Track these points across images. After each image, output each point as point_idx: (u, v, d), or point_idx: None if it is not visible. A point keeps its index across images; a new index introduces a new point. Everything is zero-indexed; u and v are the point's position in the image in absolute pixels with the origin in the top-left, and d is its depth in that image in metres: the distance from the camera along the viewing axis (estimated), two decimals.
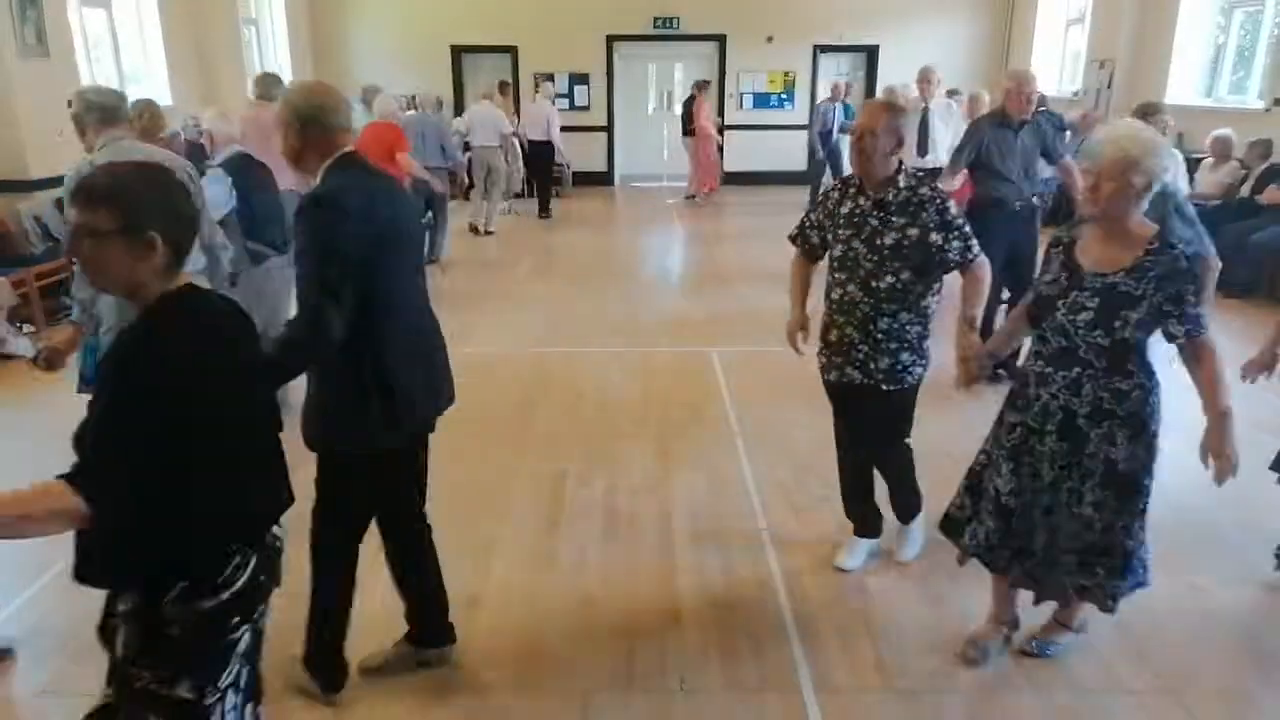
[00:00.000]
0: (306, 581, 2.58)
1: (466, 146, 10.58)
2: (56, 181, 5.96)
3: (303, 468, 2.41)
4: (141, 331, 1.62)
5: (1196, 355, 2.39)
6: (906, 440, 3.25)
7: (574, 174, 13.52)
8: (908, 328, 2.96)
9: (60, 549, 1.63)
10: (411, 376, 2.46)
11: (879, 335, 2.96)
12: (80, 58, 7.99)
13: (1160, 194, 2.77)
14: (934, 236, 2.85)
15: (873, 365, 3.00)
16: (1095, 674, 2.80)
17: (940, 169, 6.90)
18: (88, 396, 1.65)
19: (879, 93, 11.18)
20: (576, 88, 13.91)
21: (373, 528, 2.69)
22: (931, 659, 2.88)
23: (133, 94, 4.69)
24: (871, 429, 3.19)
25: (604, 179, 14.26)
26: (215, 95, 9.70)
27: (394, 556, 2.74)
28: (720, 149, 12.94)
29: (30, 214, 6.93)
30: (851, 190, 2.99)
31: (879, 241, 2.90)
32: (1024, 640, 2.87)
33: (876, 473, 3.35)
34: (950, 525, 2.84)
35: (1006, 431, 2.63)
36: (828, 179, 11.17)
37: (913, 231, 2.86)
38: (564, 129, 11.85)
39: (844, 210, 2.99)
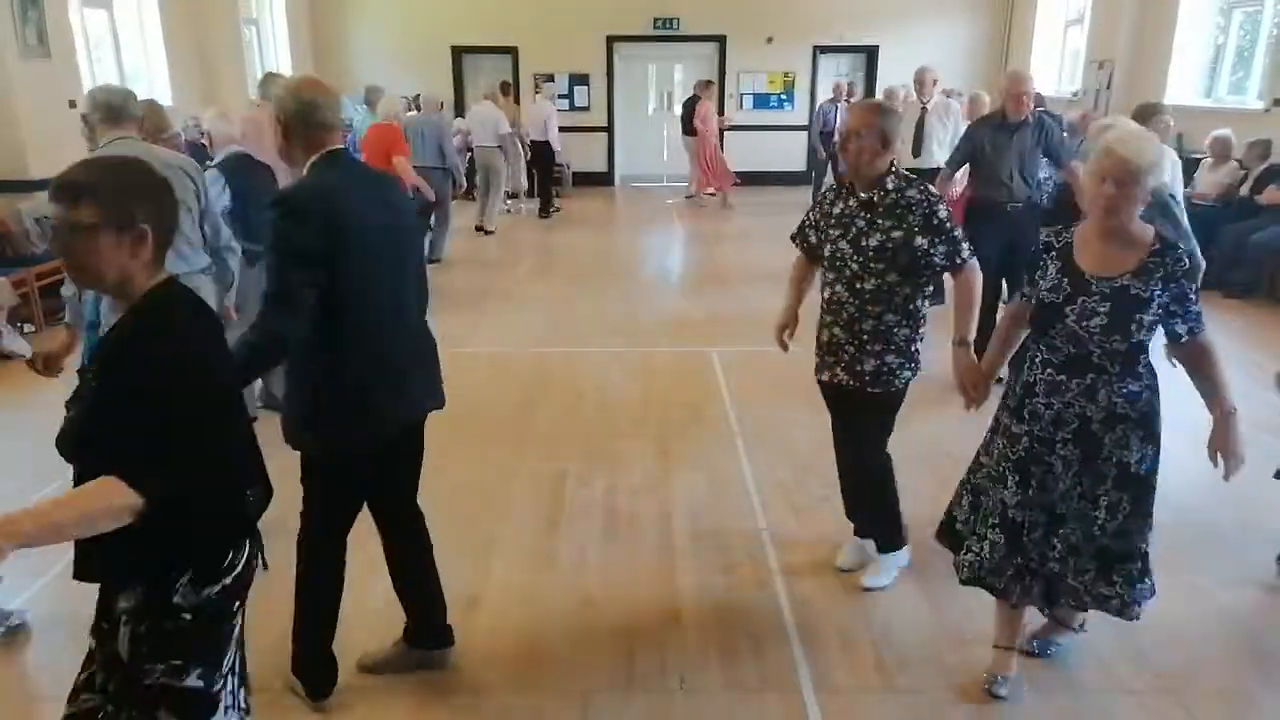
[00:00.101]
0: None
1: (470, 147, 10.61)
2: None
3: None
4: (145, 326, 1.62)
5: (1199, 354, 2.39)
6: (886, 450, 3.15)
7: (574, 174, 13.56)
8: (895, 330, 2.92)
9: (60, 548, 1.63)
10: (377, 379, 2.39)
11: (865, 336, 2.94)
12: (81, 58, 8.00)
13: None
14: (919, 240, 2.82)
15: (859, 367, 2.98)
16: (1095, 674, 2.80)
17: (937, 169, 6.92)
18: None
19: (879, 93, 11.19)
20: (577, 88, 13.93)
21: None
22: (931, 659, 2.88)
23: None
24: (855, 430, 3.15)
25: (604, 179, 14.27)
26: (216, 95, 9.70)
27: (389, 555, 2.74)
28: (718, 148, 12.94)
29: (31, 214, 6.93)
30: (844, 191, 3.00)
31: (864, 242, 2.88)
32: (1024, 640, 2.86)
33: None
34: (952, 539, 2.77)
35: (1011, 443, 2.54)
36: (830, 179, 11.17)
37: (897, 234, 2.83)
38: (564, 129, 11.86)
39: (836, 210, 3.00)
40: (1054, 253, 2.49)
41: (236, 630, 1.81)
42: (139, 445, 1.54)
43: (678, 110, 12.99)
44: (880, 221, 2.86)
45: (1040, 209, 5.20)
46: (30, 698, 2.77)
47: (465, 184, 10.27)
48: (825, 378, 3.10)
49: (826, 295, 3.05)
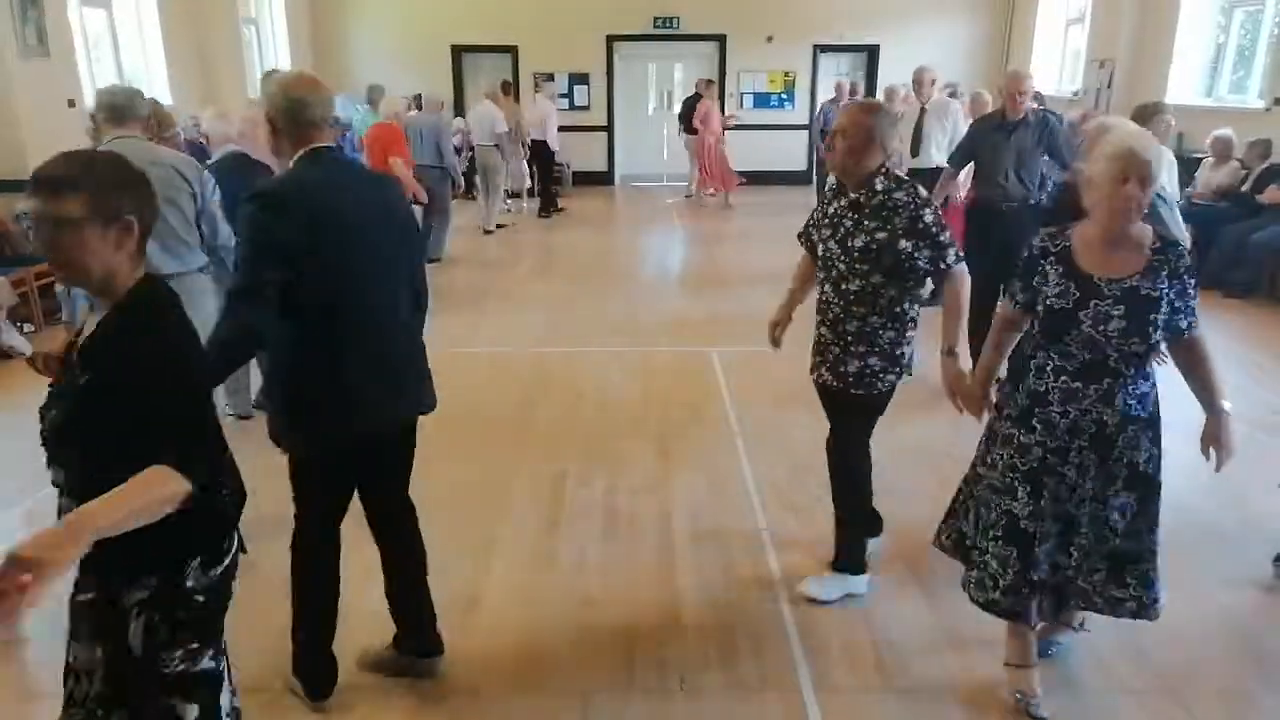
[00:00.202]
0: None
1: (470, 146, 10.64)
2: None
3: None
4: (138, 323, 1.62)
5: (1198, 349, 2.40)
6: (861, 455, 3.10)
7: (574, 174, 13.56)
8: (879, 332, 2.89)
9: None
10: (352, 379, 2.34)
11: (849, 337, 2.92)
12: (80, 58, 8.00)
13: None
14: (902, 243, 2.77)
15: (842, 368, 2.96)
16: (1095, 674, 2.80)
17: (938, 168, 6.91)
18: None
19: (880, 93, 11.19)
20: (576, 88, 13.93)
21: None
22: (931, 659, 2.88)
23: None
24: (839, 431, 3.12)
25: (604, 179, 14.28)
26: (215, 95, 9.70)
27: (381, 558, 2.71)
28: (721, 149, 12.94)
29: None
30: (839, 190, 2.99)
31: (850, 243, 2.87)
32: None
33: (874, 473, 3.34)
34: (963, 553, 2.73)
35: (1020, 453, 2.48)
36: (832, 179, 11.16)
37: (881, 236, 2.80)
38: (564, 129, 11.85)
39: (830, 210, 2.99)
40: (1052, 257, 2.43)
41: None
42: (172, 435, 1.57)
43: (678, 109, 12.99)
44: (866, 223, 2.83)
45: (1041, 209, 5.18)
46: (30, 694, 2.77)
47: (464, 184, 10.29)
48: (814, 377, 3.10)
49: (819, 295, 3.05)
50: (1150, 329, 2.32)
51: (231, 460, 1.83)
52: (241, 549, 1.89)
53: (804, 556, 3.45)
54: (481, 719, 2.64)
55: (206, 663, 1.75)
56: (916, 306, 2.94)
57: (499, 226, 10.64)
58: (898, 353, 2.92)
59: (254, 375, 4.59)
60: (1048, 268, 2.43)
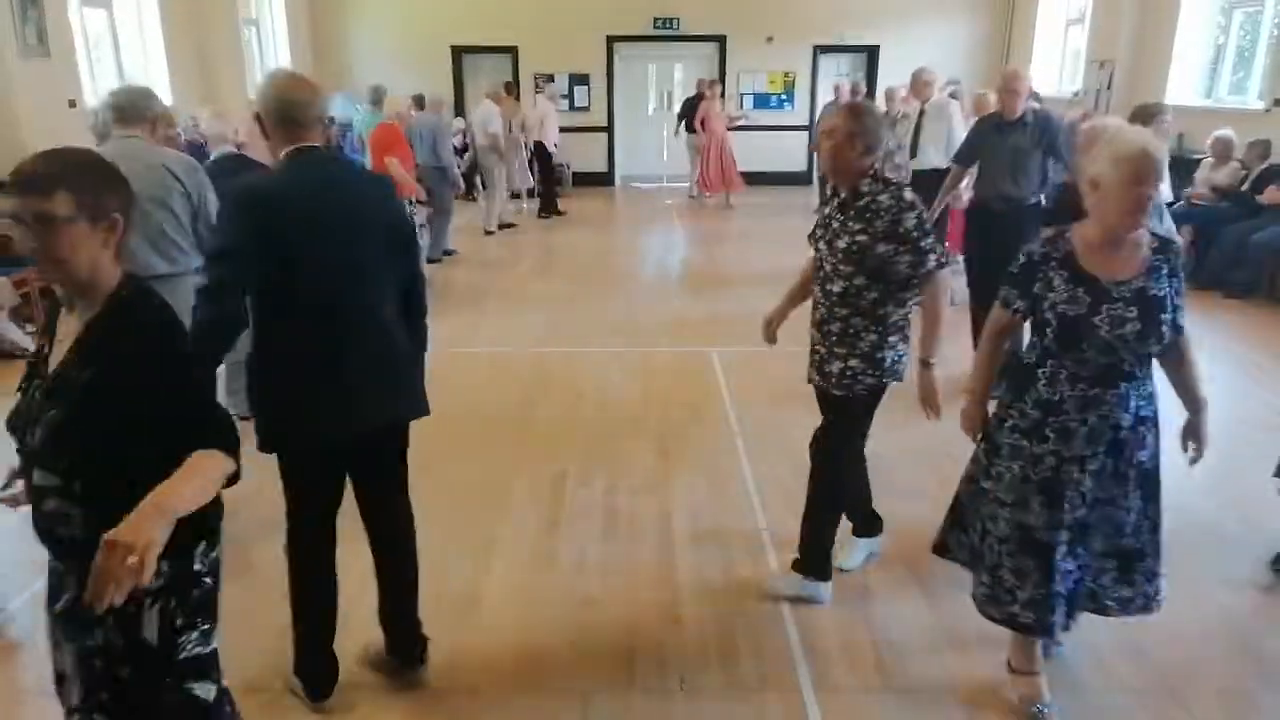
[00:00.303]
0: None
1: (469, 146, 10.65)
2: None
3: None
4: (133, 321, 1.63)
5: (1186, 346, 2.43)
6: (839, 457, 3.10)
7: (574, 174, 13.57)
8: (861, 334, 2.87)
9: None
10: (317, 382, 2.32)
11: (833, 338, 2.92)
12: (81, 58, 8.00)
13: None
14: (881, 246, 2.76)
15: (826, 368, 2.96)
16: (1095, 674, 2.80)
17: (935, 170, 6.92)
18: None
19: (880, 93, 11.19)
20: (577, 88, 13.93)
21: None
22: (931, 659, 2.88)
23: None
24: (823, 430, 3.12)
25: (604, 179, 14.28)
26: (216, 95, 9.71)
27: (374, 560, 2.70)
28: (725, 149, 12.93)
29: None
30: (835, 191, 3.00)
31: (836, 244, 2.87)
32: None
33: (873, 472, 3.34)
34: (972, 564, 2.69)
35: (1032, 464, 2.43)
36: None
37: (862, 238, 2.79)
38: (564, 129, 11.84)
39: (826, 210, 3.00)
40: (1054, 262, 2.37)
41: None
42: (209, 420, 1.65)
43: (678, 109, 12.98)
44: (850, 224, 2.83)
45: (1040, 210, 5.18)
46: (28, 692, 2.77)
47: (462, 185, 10.30)
48: (807, 377, 3.11)
49: (812, 296, 3.06)
50: (1162, 328, 2.31)
51: None
52: None
53: None
54: (481, 719, 2.64)
55: (214, 642, 1.80)
56: (902, 311, 2.90)
57: (507, 226, 10.65)
58: (878, 356, 2.89)
59: None
60: (1051, 274, 2.37)
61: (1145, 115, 4.47)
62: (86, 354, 1.61)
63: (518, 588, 3.29)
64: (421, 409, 2.60)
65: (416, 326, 2.59)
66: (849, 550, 3.38)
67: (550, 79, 13.22)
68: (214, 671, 1.82)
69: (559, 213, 11.69)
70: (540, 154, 11.50)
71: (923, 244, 2.75)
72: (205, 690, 1.79)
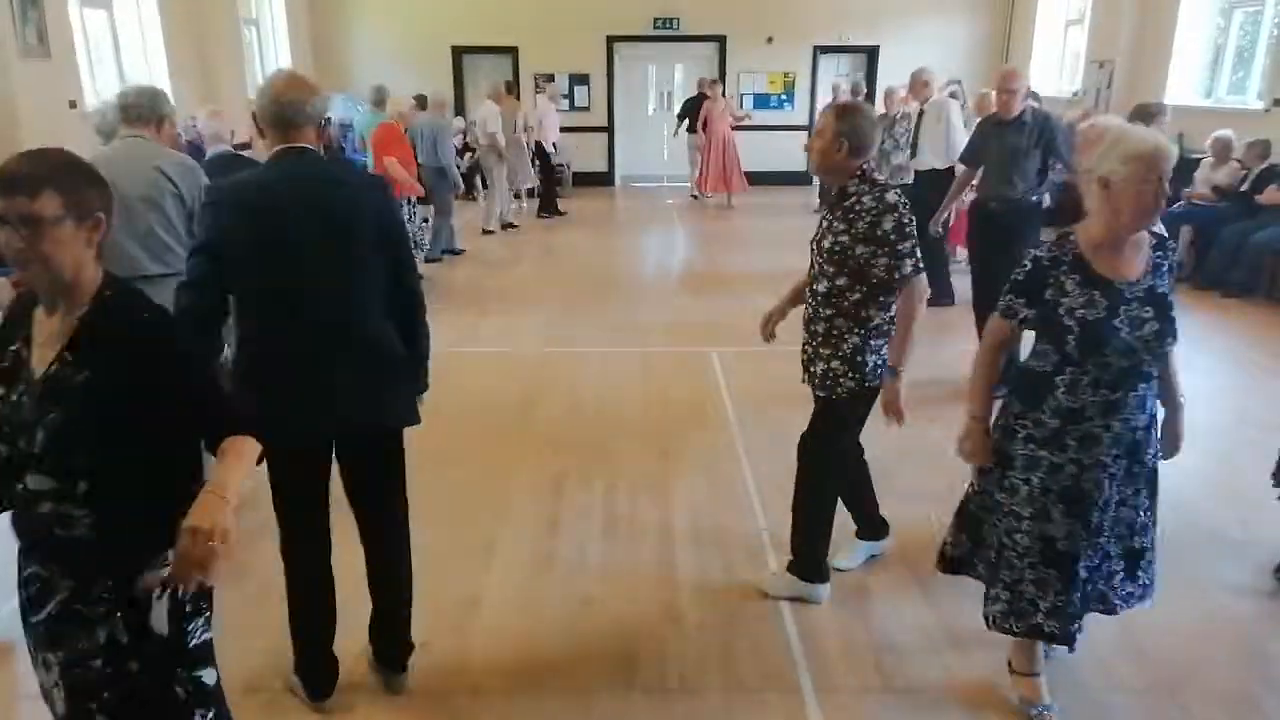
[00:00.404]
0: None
1: (469, 147, 10.66)
2: None
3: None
4: (129, 319, 1.64)
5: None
6: (825, 458, 3.06)
7: (574, 174, 13.57)
8: (844, 336, 2.86)
9: None
10: (285, 383, 2.30)
11: (818, 338, 2.92)
12: (81, 58, 7.99)
13: None
14: (860, 248, 2.75)
15: (812, 368, 2.96)
16: (1095, 674, 2.80)
17: (934, 170, 6.91)
18: None
19: (880, 94, 11.18)
20: (577, 88, 13.94)
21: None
22: (931, 659, 2.88)
23: None
24: (811, 429, 3.11)
25: (604, 179, 14.28)
26: (216, 95, 9.70)
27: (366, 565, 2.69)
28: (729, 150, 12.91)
29: None
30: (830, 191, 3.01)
31: (822, 244, 2.88)
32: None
33: (874, 473, 3.34)
34: (988, 577, 2.64)
35: (1051, 474, 2.37)
36: None
37: (844, 238, 2.78)
38: (564, 129, 11.83)
39: (824, 210, 3.01)
40: (1065, 266, 2.30)
41: None
42: (230, 406, 1.74)
43: (678, 110, 12.97)
44: (835, 224, 2.83)
45: (1039, 209, 5.18)
46: (28, 694, 2.77)
47: (461, 185, 10.31)
48: (800, 376, 3.11)
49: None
50: (1175, 326, 2.31)
51: None
52: None
53: None
54: (482, 719, 2.64)
55: (212, 629, 1.82)
56: (886, 315, 2.86)
57: (508, 226, 10.64)
58: (859, 359, 2.86)
59: None
60: (1062, 279, 2.30)
61: (1145, 115, 4.47)
62: (81, 355, 1.60)
63: (518, 588, 3.29)
64: (409, 418, 2.54)
65: (413, 327, 2.53)
66: (849, 550, 3.38)
67: (550, 79, 13.22)
68: (213, 656, 1.84)
69: (559, 213, 11.69)
70: (539, 154, 11.51)
71: (900, 247, 2.72)
72: (210, 676, 1.82)
